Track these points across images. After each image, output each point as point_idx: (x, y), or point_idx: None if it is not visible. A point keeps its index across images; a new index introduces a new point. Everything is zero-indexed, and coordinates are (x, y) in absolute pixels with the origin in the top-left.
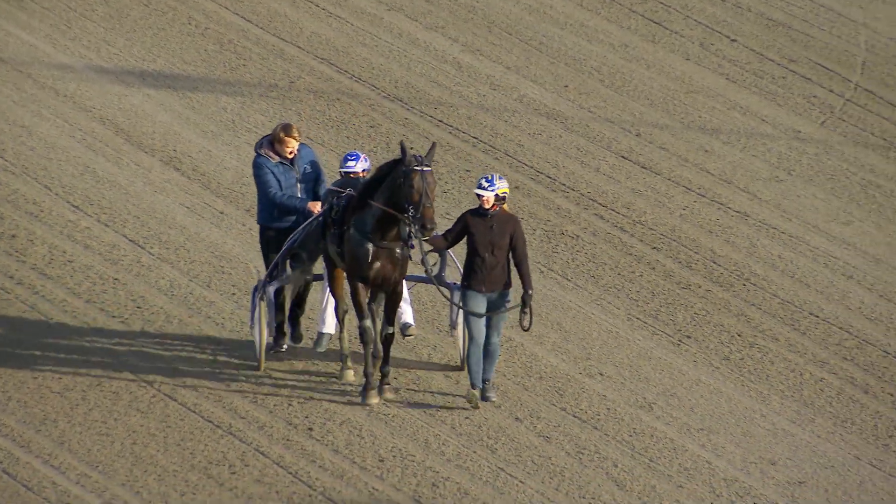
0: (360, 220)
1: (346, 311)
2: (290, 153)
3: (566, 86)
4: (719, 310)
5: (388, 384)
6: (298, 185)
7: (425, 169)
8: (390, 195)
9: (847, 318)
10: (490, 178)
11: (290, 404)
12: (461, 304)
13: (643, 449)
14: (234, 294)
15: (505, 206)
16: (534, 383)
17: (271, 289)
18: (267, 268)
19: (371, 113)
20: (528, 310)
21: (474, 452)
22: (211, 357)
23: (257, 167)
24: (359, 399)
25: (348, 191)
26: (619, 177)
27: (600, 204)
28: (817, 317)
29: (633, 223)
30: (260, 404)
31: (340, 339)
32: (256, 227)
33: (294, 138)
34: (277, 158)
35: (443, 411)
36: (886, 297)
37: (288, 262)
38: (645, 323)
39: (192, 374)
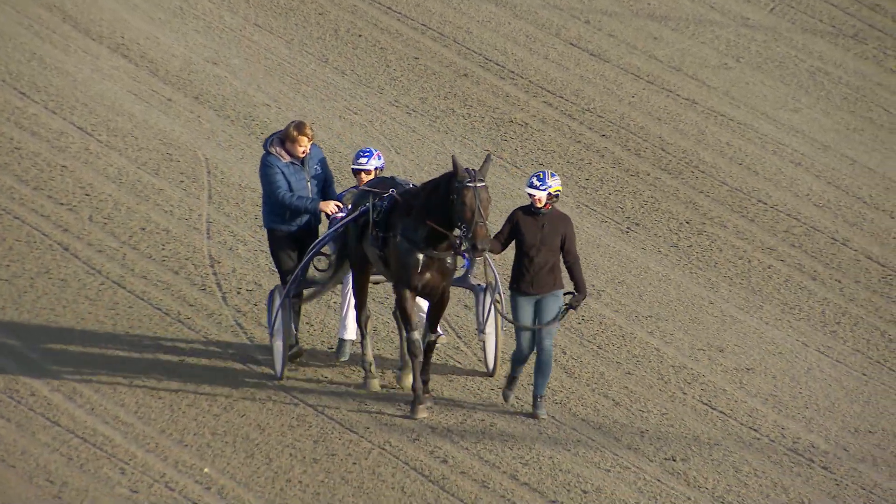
0: (409, 228)
1: (368, 318)
2: (303, 152)
3: None
4: (668, 197)
5: (428, 393)
6: (308, 185)
7: (479, 185)
8: (442, 210)
9: (795, 204)
10: (542, 177)
11: (238, 293)
12: (511, 318)
13: (592, 336)
14: (182, 182)
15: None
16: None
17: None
18: (280, 273)
19: (319, 0)
20: (571, 311)
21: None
22: (160, 245)
23: (266, 166)
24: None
25: (391, 191)
26: (567, 64)
27: (549, 91)
28: (765, 204)
29: (581, 111)
30: (209, 293)
31: (363, 346)
32: (206, 115)
33: (307, 136)
34: (288, 158)
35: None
36: (834, 183)
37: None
38: (594, 210)
39: (140, 262)
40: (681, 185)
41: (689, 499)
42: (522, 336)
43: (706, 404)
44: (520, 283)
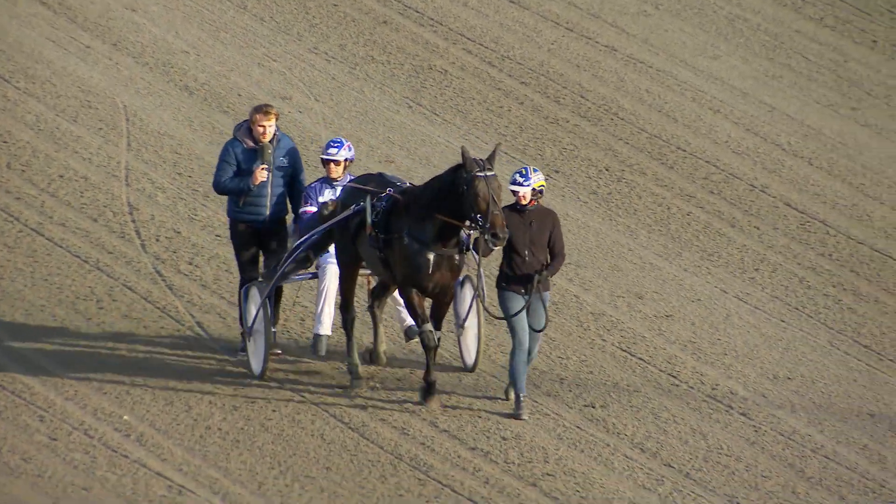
0: (415, 227)
1: (353, 319)
2: (263, 134)
3: None
4: (587, 144)
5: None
6: (270, 176)
7: (489, 174)
8: (452, 204)
9: (714, 152)
10: (524, 173)
11: (157, 240)
12: (505, 316)
13: None
14: (100, 129)
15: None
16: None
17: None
18: (239, 265)
19: None
20: (534, 281)
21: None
22: (78, 192)
23: (223, 151)
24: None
25: (388, 191)
26: (487, 11)
27: (469, 39)
28: (685, 151)
29: (501, 58)
30: (128, 240)
31: (349, 348)
32: (124, 62)
33: (267, 115)
34: (252, 144)
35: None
36: (753, 130)
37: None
38: (513, 158)
39: (59, 209)
40: (600, 132)
41: (609, 445)
42: (520, 329)
43: (625, 351)
44: (510, 281)
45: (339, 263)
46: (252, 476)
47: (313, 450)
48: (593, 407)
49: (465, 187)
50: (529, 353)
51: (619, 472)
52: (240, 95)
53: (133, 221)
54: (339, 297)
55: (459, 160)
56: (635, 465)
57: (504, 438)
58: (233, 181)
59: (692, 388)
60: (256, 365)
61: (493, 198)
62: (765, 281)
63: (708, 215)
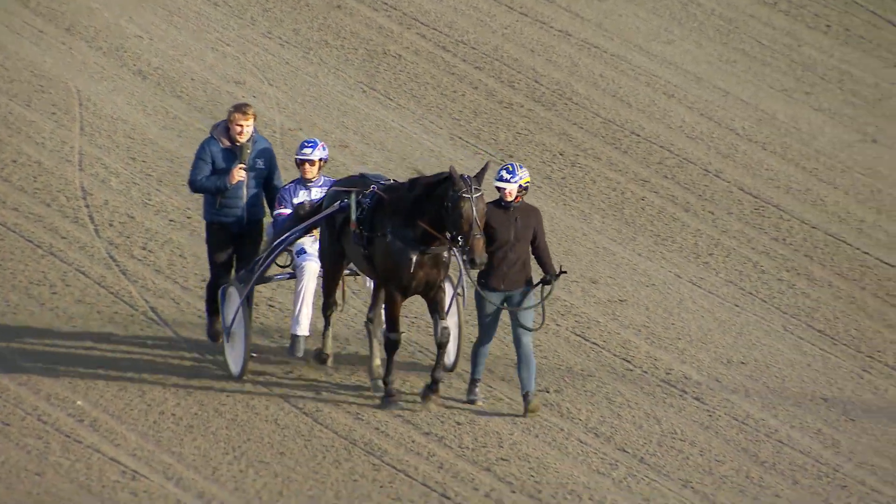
0: (399, 227)
1: (333, 310)
2: (241, 134)
3: None
4: (541, 129)
5: (438, 391)
6: (245, 176)
7: (476, 196)
8: (433, 214)
9: (668, 136)
10: (511, 169)
11: (111, 225)
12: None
13: None
14: (54, 113)
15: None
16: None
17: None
18: (211, 267)
19: None
20: (545, 297)
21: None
22: (32, 177)
23: (200, 149)
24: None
25: (372, 188)
26: None
27: (422, 23)
28: (638, 136)
29: (455, 42)
30: (81, 225)
31: (324, 336)
32: (77, 46)
33: (245, 115)
34: (228, 143)
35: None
36: (707, 115)
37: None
38: (467, 143)
39: (12, 194)
40: (554, 116)
41: (563, 430)
42: (488, 327)
43: (580, 336)
44: (489, 278)
45: (323, 261)
46: (206, 461)
47: (267, 435)
48: (547, 392)
49: (450, 204)
50: (523, 344)
51: (574, 456)
52: (193, 80)
53: (87, 206)
54: (322, 297)
55: (412, 145)
56: (589, 449)
57: (458, 423)
58: (209, 180)
59: (646, 372)
60: (235, 366)
61: (477, 221)
62: (719, 265)
63: (662, 200)
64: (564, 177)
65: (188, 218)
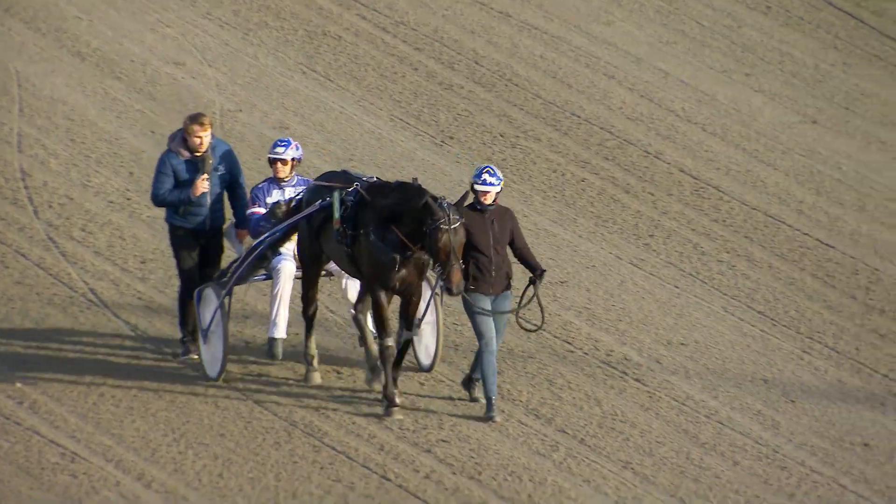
0: (380, 229)
1: (315, 311)
2: (200, 144)
3: None
4: (482, 110)
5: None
6: (207, 183)
7: (454, 226)
8: (410, 225)
9: (608, 118)
10: (493, 172)
11: (50, 207)
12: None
13: None
14: None
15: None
16: None
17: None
18: (179, 271)
19: None
20: (534, 298)
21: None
22: None
23: (160, 163)
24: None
25: (355, 185)
26: None
27: (362, 4)
28: (579, 117)
29: (395, 24)
30: (20, 206)
31: (307, 339)
32: (16, 27)
33: (202, 126)
34: (188, 155)
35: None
36: (647, 96)
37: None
38: (408, 124)
39: None
40: (494, 98)
41: (503, 412)
42: (487, 331)
43: (520, 318)
44: (478, 283)
45: (301, 261)
46: (146, 443)
47: (207, 417)
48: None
49: (428, 231)
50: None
51: (514, 438)
52: (133, 61)
53: (25, 188)
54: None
55: (352, 127)
56: (530, 431)
57: (399, 405)
58: (172, 193)
59: (587, 354)
60: (212, 369)
61: (454, 251)
62: (659, 247)
63: (602, 181)
64: (505, 158)
65: (128, 200)
